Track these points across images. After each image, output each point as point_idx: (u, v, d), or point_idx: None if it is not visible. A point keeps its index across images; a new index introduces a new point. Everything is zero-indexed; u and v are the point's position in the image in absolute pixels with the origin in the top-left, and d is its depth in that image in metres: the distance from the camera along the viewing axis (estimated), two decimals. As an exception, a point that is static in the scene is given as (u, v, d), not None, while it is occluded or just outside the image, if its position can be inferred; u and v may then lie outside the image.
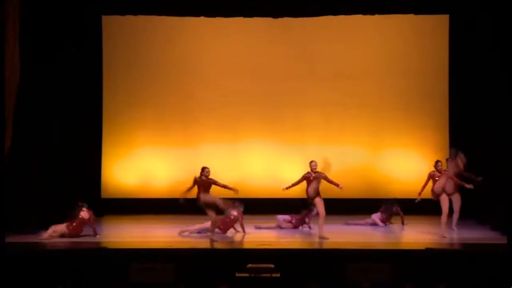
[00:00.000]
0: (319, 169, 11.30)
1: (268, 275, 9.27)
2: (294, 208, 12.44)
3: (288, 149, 14.38)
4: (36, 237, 10.97)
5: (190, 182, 10.94)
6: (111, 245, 10.64)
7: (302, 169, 11.47)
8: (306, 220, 12.39)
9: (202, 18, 14.16)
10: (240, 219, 11.81)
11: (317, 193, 11.17)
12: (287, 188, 11.32)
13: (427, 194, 11.44)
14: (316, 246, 10.75)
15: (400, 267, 9.47)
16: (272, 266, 9.36)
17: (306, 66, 14.63)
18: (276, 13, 13.98)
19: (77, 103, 13.75)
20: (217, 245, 10.60)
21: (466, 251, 10.39)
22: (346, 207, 13.56)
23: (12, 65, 10.53)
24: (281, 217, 12.53)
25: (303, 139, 14.51)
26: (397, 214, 12.98)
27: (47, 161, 12.34)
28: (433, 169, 11.67)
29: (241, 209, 11.96)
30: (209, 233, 11.06)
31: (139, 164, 14.65)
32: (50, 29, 12.40)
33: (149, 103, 14.66)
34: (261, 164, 14.61)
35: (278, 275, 9.30)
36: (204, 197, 10.82)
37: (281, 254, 9.99)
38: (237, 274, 9.39)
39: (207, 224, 11.23)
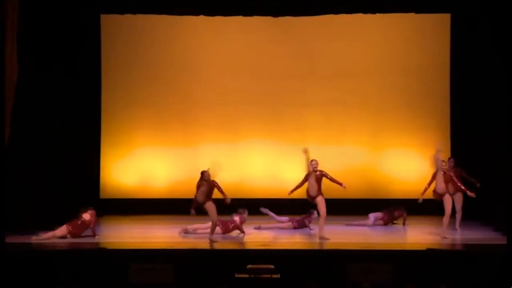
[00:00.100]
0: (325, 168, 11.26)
1: (268, 276, 9.23)
2: (295, 209, 12.43)
3: (288, 149, 14.33)
4: (35, 238, 10.94)
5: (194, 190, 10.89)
6: (111, 246, 10.62)
7: (302, 169, 11.42)
8: (306, 222, 12.36)
9: (201, 17, 14.13)
10: (240, 226, 11.79)
11: (319, 193, 11.11)
12: (291, 192, 11.24)
13: (428, 194, 11.40)
14: (317, 247, 10.72)
15: (401, 267, 9.44)
16: (272, 266, 9.33)
17: (306, 65, 14.59)
18: (276, 12, 13.95)
19: (76, 103, 13.72)
20: (217, 246, 10.57)
21: (467, 251, 10.36)
22: (346, 207, 13.53)
23: (11, 66, 10.50)
24: (281, 218, 12.52)
25: (303, 139, 14.43)
26: (399, 217, 12.94)
27: (46, 161, 12.32)
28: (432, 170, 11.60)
29: (244, 215, 11.93)
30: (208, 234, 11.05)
31: (138, 164, 14.62)
32: (49, 29, 12.36)
33: (148, 102, 14.63)
34: (261, 164, 14.58)
35: (278, 276, 9.27)
36: (201, 200, 10.77)
37: (281, 254, 9.96)
38: (236, 275, 9.36)
39: (208, 225, 11.19)
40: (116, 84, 14.60)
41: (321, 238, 11.04)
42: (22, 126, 11.40)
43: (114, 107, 14.62)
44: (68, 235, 11.13)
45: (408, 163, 14.23)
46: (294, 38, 14.58)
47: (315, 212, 11.58)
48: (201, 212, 10.96)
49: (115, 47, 14.53)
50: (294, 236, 11.86)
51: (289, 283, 9.16)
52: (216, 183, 10.88)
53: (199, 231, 11.60)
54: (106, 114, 14.60)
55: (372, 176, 14.50)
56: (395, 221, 13.02)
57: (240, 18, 14.15)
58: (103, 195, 14.50)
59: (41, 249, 10.32)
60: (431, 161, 11.36)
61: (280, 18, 14.09)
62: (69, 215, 11.82)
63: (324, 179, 11.20)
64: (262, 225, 12.43)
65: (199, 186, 10.86)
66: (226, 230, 11.72)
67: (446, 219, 11.18)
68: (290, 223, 12.42)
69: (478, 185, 11.83)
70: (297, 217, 12.47)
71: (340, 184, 11.13)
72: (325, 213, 11.07)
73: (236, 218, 11.88)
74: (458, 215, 11.87)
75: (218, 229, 11.46)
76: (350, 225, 12.80)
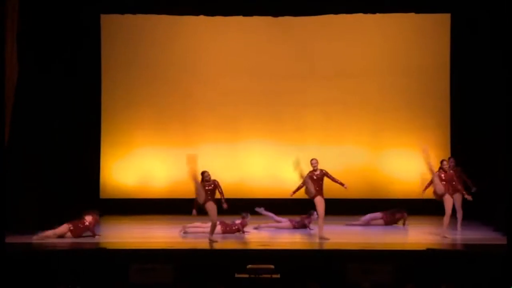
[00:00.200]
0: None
1: (268, 276, 9.22)
2: (295, 209, 12.42)
3: (288, 149, 14.31)
4: (36, 237, 10.94)
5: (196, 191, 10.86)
6: (111, 246, 10.62)
7: (302, 169, 11.41)
8: (306, 222, 12.35)
9: (201, 17, 14.12)
10: (241, 229, 11.79)
11: (319, 192, 11.08)
12: (294, 193, 11.21)
13: (429, 194, 11.39)
14: (317, 247, 10.71)
15: (401, 267, 9.43)
16: (272, 267, 9.32)
17: (306, 65, 14.59)
18: (276, 12, 13.95)
19: (76, 103, 13.72)
20: (217, 246, 10.56)
21: (467, 251, 10.35)
22: (346, 207, 13.53)
23: (11, 66, 10.50)
24: (280, 219, 12.51)
25: (303, 139, 14.47)
26: (400, 219, 12.93)
27: (46, 161, 12.32)
28: (439, 168, 11.55)
29: (247, 220, 11.94)
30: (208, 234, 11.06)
31: (138, 164, 14.62)
32: (49, 29, 12.36)
33: (148, 102, 14.63)
34: (261, 164, 14.58)
35: (278, 276, 9.26)
36: (202, 200, 10.76)
37: (281, 254, 9.96)
38: (236, 275, 9.35)
39: (208, 225, 11.18)
40: (116, 84, 14.60)
41: (321, 238, 11.03)
42: (22, 126, 11.40)
43: (114, 107, 14.62)
44: (69, 233, 11.13)
45: (408, 163, 14.21)
46: (294, 38, 14.58)
47: (315, 213, 11.57)
48: (202, 212, 10.94)
49: (115, 47, 14.53)
50: (294, 236, 11.85)
51: (289, 283, 9.16)
52: (218, 182, 10.85)
53: (199, 229, 11.59)
54: (106, 114, 14.59)
55: (372, 176, 14.49)
56: (396, 223, 13.02)
57: (240, 18, 14.15)
58: (103, 195, 14.50)
59: (41, 249, 10.32)
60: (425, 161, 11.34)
61: (280, 18, 14.09)
62: (69, 215, 11.83)
63: (325, 179, 11.17)
64: (262, 225, 12.43)
65: (202, 187, 10.80)
66: (226, 231, 11.72)
67: (446, 219, 11.17)
68: (289, 223, 12.41)
69: (474, 189, 11.85)
70: (297, 218, 12.46)
71: (342, 184, 11.11)
72: (323, 213, 11.04)
73: (238, 222, 11.89)
74: (459, 215, 11.87)
75: (218, 229, 11.46)
76: (350, 225, 12.79)
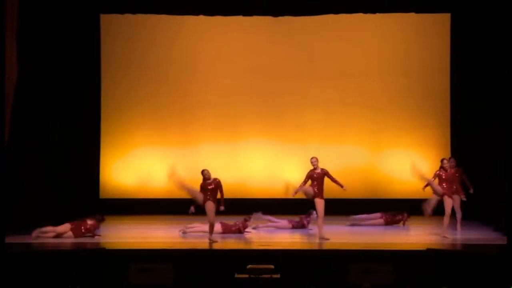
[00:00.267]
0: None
1: (268, 276, 9.21)
2: (295, 209, 12.41)
3: (288, 149, 14.34)
4: (35, 232, 10.95)
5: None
6: (111, 246, 10.61)
7: (302, 169, 11.42)
8: (305, 223, 12.34)
9: (201, 17, 14.12)
10: (242, 230, 11.80)
11: (319, 192, 11.03)
12: (295, 193, 11.16)
13: (430, 194, 11.38)
14: (316, 247, 10.69)
15: (401, 267, 9.42)
16: (272, 267, 9.32)
17: (306, 65, 14.59)
18: (276, 12, 13.94)
19: (76, 103, 13.72)
20: (217, 246, 10.55)
21: (467, 251, 10.34)
22: (346, 207, 13.51)
23: (10, 65, 10.49)
24: (279, 220, 12.52)
25: (303, 139, 14.47)
26: (400, 220, 12.92)
27: (46, 162, 12.32)
28: (439, 167, 11.52)
29: (248, 222, 11.93)
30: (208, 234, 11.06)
31: (137, 164, 14.62)
32: (48, 28, 12.36)
33: (147, 102, 14.63)
34: (261, 164, 14.58)
35: (278, 276, 9.25)
36: (201, 201, 10.75)
37: (281, 254, 9.94)
38: (236, 275, 9.35)
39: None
40: (115, 84, 14.60)
41: (321, 238, 11.01)
42: (22, 126, 11.39)
43: (114, 107, 14.61)
44: (70, 232, 11.13)
45: (408, 163, 14.10)
46: (294, 38, 14.58)
47: (314, 212, 11.56)
48: (202, 212, 10.92)
49: (115, 47, 14.52)
50: (294, 236, 11.85)
51: (289, 283, 9.15)
52: (220, 182, 10.80)
53: (198, 228, 11.58)
54: (106, 114, 14.59)
55: (372, 176, 14.49)
56: (396, 224, 13.02)
57: (240, 18, 14.15)
58: (102, 195, 14.50)
59: (41, 249, 10.31)
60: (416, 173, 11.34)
61: (280, 18, 14.08)
62: (69, 215, 11.83)
63: (325, 178, 11.15)
64: (260, 225, 12.42)
65: (203, 187, 10.78)
66: (226, 231, 11.72)
67: (446, 219, 11.16)
68: (288, 224, 12.40)
69: (472, 191, 11.82)
70: (296, 218, 12.45)
71: (341, 185, 11.07)
72: (323, 213, 11.01)
73: (239, 222, 11.88)
74: (458, 215, 11.86)
75: (219, 228, 11.46)
76: (352, 225, 12.79)
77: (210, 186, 10.72)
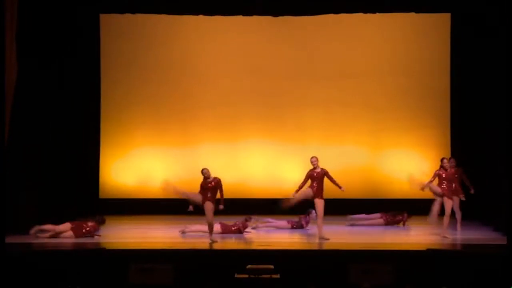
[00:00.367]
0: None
1: (268, 276, 9.21)
2: (295, 209, 12.38)
3: (288, 149, 14.34)
4: (33, 237, 10.95)
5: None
6: (111, 246, 10.62)
7: (302, 169, 11.41)
8: (303, 223, 12.33)
9: (201, 17, 14.12)
10: (242, 230, 11.80)
11: (318, 192, 11.00)
12: (296, 192, 11.10)
13: (429, 194, 11.38)
14: (316, 247, 10.69)
15: (401, 267, 9.42)
16: (272, 267, 9.31)
17: (306, 65, 14.59)
18: (276, 12, 13.94)
19: (75, 103, 13.72)
20: (217, 246, 10.55)
21: (467, 251, 10.34)
22: (346, 207, 13.50)
23: (10, 65, 10.49)
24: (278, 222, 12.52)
25: (303, 139, 14.47)
26: (400, 221, 12.92)
27: (45, 162, 12.32)
28: (440, 166, 11.49)
29: (249, 223, 11.93)
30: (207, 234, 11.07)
31: (137, 164, 14.62)
32: (48, 28, 12.36)
33: (147, 102, 14.62)
34: (261, 164, 14.57)
35: (278, 276, 9.25)
36: (199, 201, 10.75)
37: (281, 254, 9.94)
38: (236, 275, 9.34)
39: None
40: (115, 84, 14.60)
41: (321, 238, 11.00)
42: (22, 126, 11.39)
43: (114, 107, 14.61)
44: (70, 231, 11.13)
45: (408, 163, 14.21)
46: (294, 38, 14.58)
47: (313, 211, 11.54)
48: (201, 212, 10.92)
49: (115, 47, 14.52)
50: (294, 236, 11.84)
51: (289, 283, 9.15)
52: (220, 181, 10.78)
53: (198, 228, 11.57)
54: (105, 114, 14.58)
55: (372, 176, 14.49)
56: (396, 224, 13.02)
57: (240, 18, 14.15)
58: (102, 195, 14.50)
59: (41, 249, 10.30)
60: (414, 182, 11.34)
61: (280, 18, 14.08)
62: (68, 215, 11.82)
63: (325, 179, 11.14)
64: (259, 224, 12.41)
65: (203, 186, 10.77)
66: (225, 231, 11.72)
67: (446, 219, 11.17)
68: (287, 224, 12.40)
69: (472, 191, 11.81)
70: (295, 218, 12.43)
71: (339, 186, 11.04)
72: (322, 214, 10.98)
73: (239, 223, 11.88)
74: (458, 216, 11.86)
75: (218, 229, 11.45)
76: (351, 225, 12.80)
77: (210, 184, 10.72)
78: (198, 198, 10.71)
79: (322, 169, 11.07)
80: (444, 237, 11.12)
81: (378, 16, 14.10)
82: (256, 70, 14.60)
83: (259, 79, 14.60)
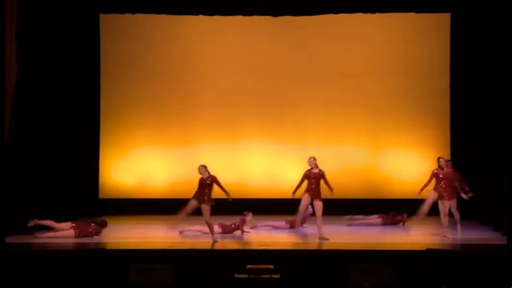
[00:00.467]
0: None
1: (268, 276, 9.21)
2: (295, 209, 12.38)
3: (288, 149, 14.34)
4: (34, 237, 10.96)
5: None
6: (111, 246, 10.63)
7: (302, 169, 11.40)
8: (239, 225, 12.27)
9: (201, 17, 14.12)
10: (241, 227, 11.79)
11: (316, 194, 10.96)
12: (294, 192, 11.08)
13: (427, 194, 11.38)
14: (316, 247, 10.69)
15: (401, 267, 9.42)
16: (272, 267, 9.31)
17: (306, 65, 14.59)
18: (276, 12, 13.94)
19: (75, 102, 13.72)
20: (217, 246, 10.55)
21: (467, 251, 10.34)
22: (346, 208, 13.51)
23: (10, 65, 10.49)
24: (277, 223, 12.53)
25: (303, 139, 14.47)
26: (400, 221, 12.92)
27: (45, 162, 12.32)
28: (436, 167, 11.47)
29: (247, 218, 11.91)
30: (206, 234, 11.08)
31: (137, 164, 14.62)
32: (48, 28, 12.36)
33: (147, 102, 14.63)
34: (261, 164, 14.58)
35: (278, 276, 9.25)
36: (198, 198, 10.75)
37: (281, 254, 9.93)
38: (236, 275, 9.34)
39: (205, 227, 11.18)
40: (115, 84, 14.59)
41: (321, 238, 11.00)
42: (22, 126, 11.39)
43: (114, 107, 14.61)
44: (71, 230, 11.14)
45: (408, 163, 14.23)
46: (294, 38, 14.58)
47: (310, 207, 11.53)
48: (198, 212, 10.92)
49: (114, 47, 14.51)
50: (294, 236, 11.84)
51: (288, 283, 9.15)
52: (215, 177, 10.75)
53: (196, 227, 11.56)
54: (105, 114, 14.58)
55: (372, 176, 14.49)
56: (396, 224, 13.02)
57: (240, 18, 14.15)
58: (102, 195, 14.50)
59: (41, 249, 10.31)
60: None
61: (280, 18, 14.08)
62: (68, 215, 11.82)
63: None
64: (258, 224, 12.42)
65: (201, 183, 10.76)
66: (225, 231, 11.72)
67: (445, 218, 11.18)
68: (285, 224, 12.39)
69: (470, 195, 11.66)
70: (294, 218, 12.39)
71: (331, 190, 10.98)
72: (321, 214, 10.95)
73: (237, 220, 11.88)
74: (456, 217, 11.81)
75: (217, 230, 11.45)
76: (350, 224, 12.80)
77: (208, 181, 10.70)
78: (194, 203, 10.72)
79: (319, 170, 11.05)
80: (444, 236, 11.12)
81: (378, 16, 14.10)
82: (256, 70, 14.60)
83: (259, 79, 14.60)
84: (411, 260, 9.73)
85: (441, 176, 11.23)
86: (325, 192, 11.16)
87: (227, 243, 11.03)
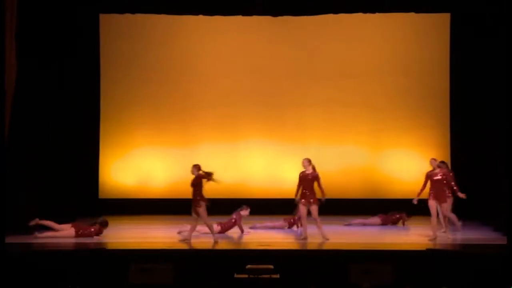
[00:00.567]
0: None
1: (268, 276, 9.21)
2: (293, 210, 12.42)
3: (288, 149, 14.33)
4: (34, 237, 10.96)
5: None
6: (111, 246, 10.64)
7: (302, 169, 11.39)
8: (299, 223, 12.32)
9: (201, 17, 14.11)
10: (238, 221, 11.77)
11: (311, 197, 10.86)
12: (296, 196, 11.04)
13: (427, 195, 11.35)
14: (316, 247, 10.68)
15: (401, 267, 9.42)
16: (272, 267, 9.31)
17: (306, 65, 14.59)
18: (276, 12, 13.94)
19: (75, 102, 13.71)
20: (216, 246, 10.55)
21: (467, 251, 10.34)
22: (346, 207, 13.52)
23: (9, 65, 10.49)
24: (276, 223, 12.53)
25: (303, 139, 14.47)
26: (399, 220, 12.92)
27: (45, 162, 12.31)
28: (430, 169, 11.41)
29: (242, 212, 11.89)
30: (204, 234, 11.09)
31: (137, 164, 14.62)
32: (47, 28, 12.35)
33: (147, 102, 14.62)
34: (261, 164, 14.57)
35: (278, 276, 9.25)
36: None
37: (280, 254, 9.94)
38: (236, 275, 9.34)
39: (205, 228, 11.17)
40: (115, 83, 14.59)
41: (324, 237, 10.96)
42: (22, 126, 11.39)
43: (113, 107, 14.60)
44: (72, 229, 11.14)
45: (408, 163, 14.22)
46: (294, 38, 14.58)
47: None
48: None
49: (114, 47, 14.51)
50: (293, 236, 11.83)
51: (288, 283, 9.15)
52: (199, 174, 10.67)
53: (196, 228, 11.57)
54: (105, 114, 14.58)
55: (372, 176, 14.49)
56: (395, 224, 13.02)
57: (240, 18, 14.14)
58: (102, 195, 14.49)
59: (41, 249, 10.31)
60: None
61: (280, 18, 14.08)
62: (68, 215, 11.83)
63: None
64: (257, 224, 12.42)
65: (193, 182, 10.75)
66: (225, 229, 11.72)
67: (443, 218, 11.16)
68: (284, 223, 12.40)
69: (462, 195, 11.53)
70: (292, 217, 12.39)
71: (323, 194, 10.89)
72: (317, 216, 10.90)
73: (234, 215, 11.86)
74: (453, 218, 11.73)
75: (217, 229, 11.45)
76: (348, 224, 12.79)
77: (194, 182, 10.67)
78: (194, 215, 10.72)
79: (312, 171, 10.98)
80: (444, 232, 11.13)
81: (378, 16, 14.09)
82: (256, 70, 14.59)
83: (259, 79, 14.60)
84: (411, 260, 9.73)
85: (433, 178, 11.14)
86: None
87: (227, 243, 11.03)
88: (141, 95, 14.62)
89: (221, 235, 11.50)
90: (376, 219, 12.94)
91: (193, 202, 10.68)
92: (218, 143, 14.52)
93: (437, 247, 10.42)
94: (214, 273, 9.49)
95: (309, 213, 11.00)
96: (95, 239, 11.19)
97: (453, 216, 11.47)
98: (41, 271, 9.54)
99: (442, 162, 11.76)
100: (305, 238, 10.98)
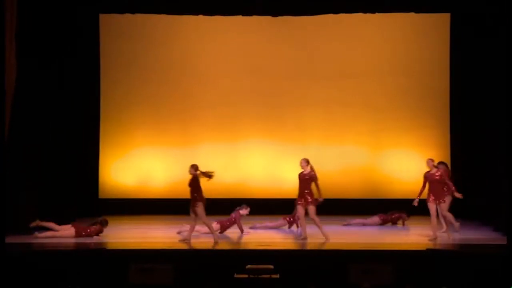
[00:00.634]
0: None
1: (268, 276, 9.21)
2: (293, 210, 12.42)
3: (288, 149, 14.33)
4: (34, 237, 10.96)
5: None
6: (111, 246, 10.64)
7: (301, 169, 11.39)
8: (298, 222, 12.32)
9: (201, 17, 14.11)
10: (237, 220, 11.76)
11: (308, 196, 10.85)
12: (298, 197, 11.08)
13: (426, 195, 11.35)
14: (316, 247, 10.68)
15: (401, 267, 9.42)
16: (272, 267, 9.31)
17: (306, 65, 14.59)
18: (276, 12, 13.94)
19: (75, 102, 13.71)
20: (216, 246, 10.55)
21: (467, 251, 10.34)
22: (346, 208, 13.52)
23: (9, 65, 10.49)
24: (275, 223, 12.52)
25: (303, 139, 14.47)
26: (398, 220, 12.91)
27: (45, 162, 12.31)
28: (427, 169, 11.39)
29: (241, 211, 11.88)
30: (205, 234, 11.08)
31: (137, 164, 14.62)
32: (47, 28, 12.35)
33: (147, 102, 14.62)
34: (261, 164, 14.58)
35: (278, 276, 9.25)
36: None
37: (280, 254, 9.95)
38: (236, 275, 9.34)
39: (205, 229, 11.16)
40: (115, 83, 14.59)
41: (325, 236, 10.95)
42: (22, 126, 11.39)
43: (113, 107, 14.60)
44: (73, 229, 11.15)
45: (408, 163, 14.21)
46: (294, 38, 14.58)
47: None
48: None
49: (114, 47, 14.51)
50: (293, 236, 11.83)
51: (288, 283, 9.15)
52: (193, 177, 10.69)
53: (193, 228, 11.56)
54: (105, 114, 14.58)
55: (372, 176, 14.49)
56: (395, 223, 13.02)
57: (240, 18, 14.14)
58: (102, 195, 14.49)
59: (41, 249, 10.31)
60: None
61: (280, 18, 14.07)
62: (68, 215, 11.82)
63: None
64: (257, 224, 12.41)
65: (192, 184, 10.76)
66: (224, 227, 11.71)
67: (441, 218, 11.17)
68: (284, 222, 12.39)
69: (458, 195, 11.50)
70: (291, 216, 12.38)
71: (319, 193, 10.86)
72: (315, 216, 10.90)
73: (233, 214, 11.85)
74: (450, 218, 11.74)
75: (217, 228, 11.45)
76: (347, 224, 12.79)
77: (194, 181, 10.67)
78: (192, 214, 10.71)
79: (310, 171, 10.96)
80: (444, 232, 11.14)
81: (378, 16, 14.09)
82: (256, 70, 14.59)
83: (259, 79, 14.60)
84: (411, 260, 9.74)
85: (430, 178, 11.13)
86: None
87: (227, 243, 11.03)
88: (141, 95, 14.62)
89: (221, 235, 11.49)
90: (375, 219, 12.95)
91: (191, 202, 10.69)
92: (218, 143, 14.52)
93: (437, 247, 10.43)
94: (214, 273, 9.49)
95: (307, 213, 11.00)
96: (95, 239, 11.20)
97: (450, 216, 11.47)
98: (41, 271, 9.54)
99: (442, 162, 11.76)
100: (305, 238, 10.98)
